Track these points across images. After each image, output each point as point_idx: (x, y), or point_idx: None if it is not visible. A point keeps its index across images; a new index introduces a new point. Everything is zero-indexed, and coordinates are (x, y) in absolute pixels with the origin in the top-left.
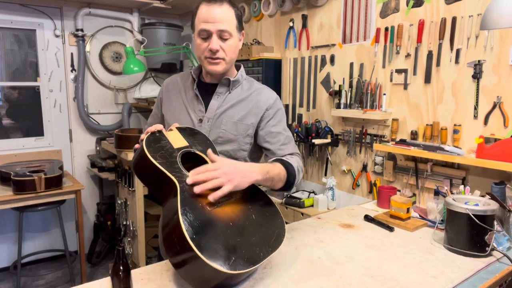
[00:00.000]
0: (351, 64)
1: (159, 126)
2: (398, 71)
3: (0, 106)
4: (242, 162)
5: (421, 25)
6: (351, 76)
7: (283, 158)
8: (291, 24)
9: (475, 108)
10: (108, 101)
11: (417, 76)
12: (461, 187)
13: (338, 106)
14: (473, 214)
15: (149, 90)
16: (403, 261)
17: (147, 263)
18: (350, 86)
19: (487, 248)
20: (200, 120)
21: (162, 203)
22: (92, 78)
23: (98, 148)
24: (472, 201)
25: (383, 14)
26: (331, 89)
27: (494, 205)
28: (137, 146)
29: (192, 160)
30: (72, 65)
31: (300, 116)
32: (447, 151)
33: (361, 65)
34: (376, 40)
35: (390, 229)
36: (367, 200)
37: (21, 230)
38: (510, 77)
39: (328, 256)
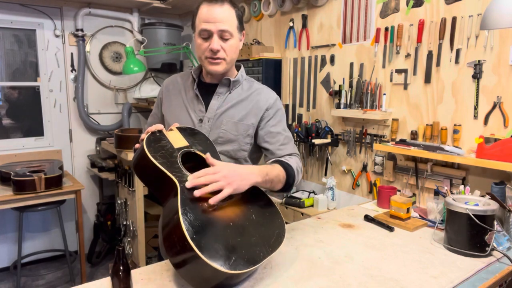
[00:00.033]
0: (351, 64)
1: (159, 126)
2: (398, 71)
3: (0, 106)
4: (241, 165)
5: (421, 25)
6: (351, 76)
7: (282, 159)
8: (291, 24)
9: (475, 108)
10: (108, 101)
11: (417, 76)
12: (461, 187)
13: (338, 106)
14: (473, 214)
15: (149, 90)
16: (403, 261)
17: (147, 263)
18: (350, 86)
19: (487, 248)
20: (201, 120)
21: (162, 203)
22: (92, 78)
23: (98, 148)
24: (472, 201)
25: (383, 14)
26: (331, 89)
27: (494, 205)
28: (137, 145)
29: (193, 160)
30: (72, 65)
31: (300, 116)
32: (447, 151)
33: (361, 65)
34: (376, 40)
35: (390, 229)
36: (367, 200)
37: (21, 230)
38: (510, 77)
39: (328, 256)
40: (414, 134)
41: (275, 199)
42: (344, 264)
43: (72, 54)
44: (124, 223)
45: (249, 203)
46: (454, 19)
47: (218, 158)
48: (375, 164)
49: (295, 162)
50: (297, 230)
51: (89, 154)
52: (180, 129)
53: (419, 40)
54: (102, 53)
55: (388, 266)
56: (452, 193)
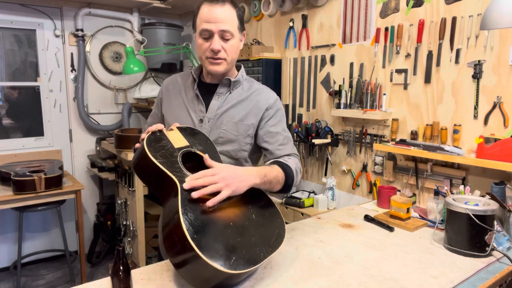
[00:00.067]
0: (351, 64)
1: (160, 126)
2: (398, 71)
3: (0, 106)
4: (240, 167)
5: (421, 25)
6: (351, 76)
7: (280, 160)
8: (291, 24)
9: (475, 108)
10: (108, 101)
11: (417, 76)
12: (461, 187)
13: (338, 106)
14: (473, 214)
15: (149, 90)
16: (403, 261)
17: (147, 263)
18: (350, 86)
19: (487, 248)
20: (201, 120)
21: (162, 203)
22: (92, 78)
23: (98, 148)
24: (472, 201)
25: (383, 14)
26: (331, 89)
27: (494, 205)
28: (137, 145)
29: (193, 160)
30: (72, 65)
31: (300, 116)
32: (447, 151)
33: (361, 65)
34: (376, 40)
35: (390, 229)
36: (367, 200)
37: (21, 230)
38: (510, 77)
39: (328, 256)
40: (414, 134)
41: (275, 199)
42: (344, 264)
43: (72, 54)
44: (124, 223)
45: (249, 203)
46: (454, 19)
47: (218, 158)
48: (375, 164)
49: (294, 163)
50: (297, 230)
51: (89, 154)
52: (181, 129)
53: (419, 40)
54: (102, 53)
55: (388, 266)
56: (452, 193)
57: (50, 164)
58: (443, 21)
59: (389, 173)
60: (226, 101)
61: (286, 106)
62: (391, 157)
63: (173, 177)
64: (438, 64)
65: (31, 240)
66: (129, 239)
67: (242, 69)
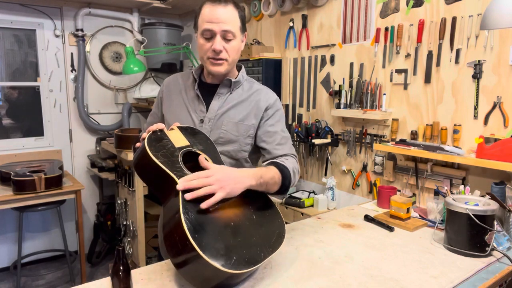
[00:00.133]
0: (351, 64)
1: (160, 125)
2: (398, 71)
3: (0, 106)
4: (235, 168)
5: (421, 25)
6: (351, 76)
7: (277, 160)
8: (291, 24)
9: (475, 108)
10: (108, 101)
11: (417, 76)
12: (461, 187)
13: (338, 106)
14: (473, 214)
15: (149, 90)
16: (403, 261)
17: (147, 263)
18: (350, 86)
19: (487, 248)
20: (201, 121)
21: (162, 202)
22: (92, 78)
23: (98, 148)
24: (472, 201)
25: (383, 14)
26: (331, 89)
27: (494, 205)
28: (138, 144)
29: (193, 160)
30: (72, 65)
31: (300, 116)
32: (447, 151)
33: (361, 65)
34: (376, 40)
35: (390, 229)
36: (367, 200)
37: (21, 230)
38: (510, 77)
39: (328, 256)
40: (414, 134)
41: (275, 199)
42: (344, 264)
43: (72, 54)
44: (124, 223)
45: (249, 203)
46: (454, 19)
47: (219, 158)
48: (375, 164)
49: (291, 164)
50: (297, 230)
51: (89, 154)
52: (181, 129)
53: (419, 40)
54: (102, 53)
55: (388, 266)
56: (452, 193)
57: (50, 164)
58: (443, 21)
59: (389, 173)
60: (227, 102)
61: (286, 106)
62: (391, 157)
63: (174, 176)
64: (438, 64)
65: (31, 240)
66: (129, 239)
67: (243, 69)
